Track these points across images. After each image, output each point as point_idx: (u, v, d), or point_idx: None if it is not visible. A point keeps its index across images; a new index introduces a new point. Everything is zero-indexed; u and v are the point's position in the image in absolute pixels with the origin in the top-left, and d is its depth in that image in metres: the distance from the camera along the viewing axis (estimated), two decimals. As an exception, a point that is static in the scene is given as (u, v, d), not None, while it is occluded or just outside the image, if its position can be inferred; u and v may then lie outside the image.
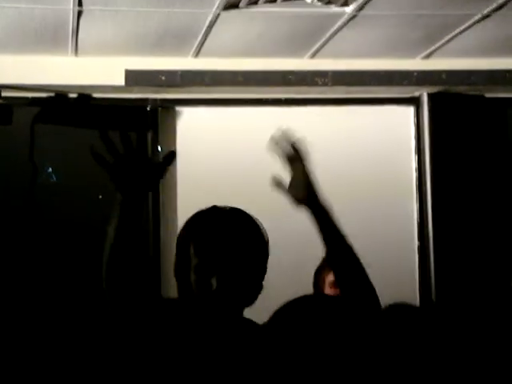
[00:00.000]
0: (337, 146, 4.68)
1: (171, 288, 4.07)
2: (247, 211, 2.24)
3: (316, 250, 3.74)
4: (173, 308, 2.15)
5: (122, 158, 2.08)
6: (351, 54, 4.39)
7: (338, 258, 2.25)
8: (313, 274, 3.75)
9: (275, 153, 2.27)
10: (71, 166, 4.47)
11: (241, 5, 3.55)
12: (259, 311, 2.19)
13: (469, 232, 4.60)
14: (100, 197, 4.48)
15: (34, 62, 4.27)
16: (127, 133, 2.05)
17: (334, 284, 3.54)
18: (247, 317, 2.20)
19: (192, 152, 4.54)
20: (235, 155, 4.58)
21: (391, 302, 2.69)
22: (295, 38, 4.10)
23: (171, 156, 2.14)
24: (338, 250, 2.23)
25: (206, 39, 4.05)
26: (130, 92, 4.46)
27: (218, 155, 4.57)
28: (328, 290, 3.54)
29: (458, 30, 4.01)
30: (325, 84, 4.50)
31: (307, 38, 4.11)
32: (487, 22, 3.86)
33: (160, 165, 2.15)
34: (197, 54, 4.31)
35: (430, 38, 4.16)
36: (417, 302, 4.57)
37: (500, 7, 3.66)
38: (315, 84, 4.50)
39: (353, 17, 3.75)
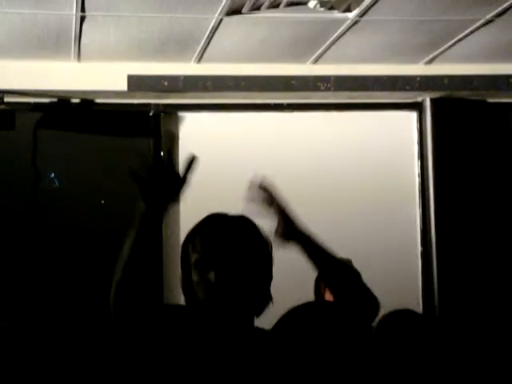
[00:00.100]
0: (339, 151, 4.68)
1: (173, 296, 4.09)
2: (250, 217, 2.24)
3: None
4: (180, 317, 2.14)
5: (155, 172, 2.07)
6: (354, 59, 4.39)
7: (331, 280, 2.27)
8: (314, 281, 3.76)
9: (253, 202, 2.28)
10: (74, 171, 4.47)
11: (243, 10, 3.55)
12: (264, 317, 2.18)
13: (471, 237, 4.59)
14: (102, 202, 4.48)
15: (36, 67, 4.28)
16: (159, 145, 2.04)
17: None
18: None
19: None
20: (237, 160, 4.58)
21: (394, 307, 2.68)
22: (298, 44, 4.10)
23: (192, 164, 2.14)
24: (330, 274, 2.26)
25: (208, 44, 4.05)
26: (133, 97, 4.46)
27: (221, 160, 4.57)
28: (328, 297, 3.54)
29: (460, 36, 4.01)
30: (327, 89, 4.50)
31: (310, 43, 4.11)
32: (490, 27, 3.86)
33: (182, 174, 2.14)
34: (199, 59, 4.32)
35: (433, 43, 4.16)
36: (419, 307, 4.57)
37: (502, 13, 3.66)
38: (318, 89, 4.50)
39: (355, 22, 3.75)
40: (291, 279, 4.10)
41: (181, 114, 4.60)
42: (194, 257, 2.12)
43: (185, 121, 4.60)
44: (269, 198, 2.24)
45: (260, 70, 4.44)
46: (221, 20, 3.66)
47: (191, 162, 2.11)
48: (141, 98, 4.49)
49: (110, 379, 4.00)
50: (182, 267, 2.18)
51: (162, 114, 4.54)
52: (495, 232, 4.64)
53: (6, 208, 4.39)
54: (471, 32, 3.95)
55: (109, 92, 4.40)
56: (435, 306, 4.54)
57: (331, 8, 3.56)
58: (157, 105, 4.53)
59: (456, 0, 3.49)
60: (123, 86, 4.36)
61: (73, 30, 3.74)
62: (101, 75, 4.35)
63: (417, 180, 4.72)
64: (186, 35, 3.90)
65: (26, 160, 4.42)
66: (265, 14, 3.61)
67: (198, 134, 4.57)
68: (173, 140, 4.44)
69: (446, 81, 4.56)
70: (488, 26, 3.86)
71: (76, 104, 4.47)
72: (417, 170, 4.72)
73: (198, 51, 4.17)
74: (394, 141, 4.73)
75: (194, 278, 2.11)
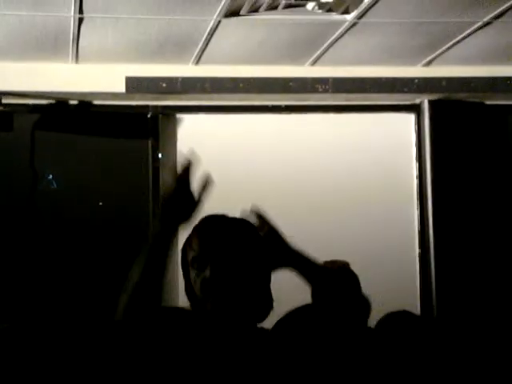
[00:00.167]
0: (337, 153, 4.68)
1: (171, 298, 4.09)
2: (247, 218, 2.24)
3: (313, 256, 3.75)
4: (179, 318, 2.15)
5: (178, 193, 2.08)
6: (352, 61, 4.40)
7: (324, 294, 2.27)
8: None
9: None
10: (72, 172, 4.47)
11: (242, 12, 3.56)
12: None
13: (470, 239, 4.60)
14: (100, 203, 4.48)
15: (34, 69, 4.27)
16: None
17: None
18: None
19: (192, 158, 4.54)
20: (236, 162, 4.58)
21: (392, 309, 2.68)
22: (296, 46, 4.10)
23: (207, 185, 2.15)
24: (322, 289, 2.26)
25: (206, 46, 4.05)
26: (131, 99, 4.46)
27: (219, 162, 4.56)
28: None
29: (458, 38, 4.02)
30: (325, 91, 4.50)
31: (308, 45, 4.11)
32: (488, 29, 3.86)
33: (197, 195, 2.14)
34: (197, 61, 4.32)
35: (431, 45, 4.16)
36: (417, 309, 4.57)
37: (500, 15, 3.66)
38: (316, 91, 4.50)
39: (353, 24, 3.75)
40: (291, 279, 4.09)
41: (179, 115, 4.60)
42: (191, 254, 2.13)
43: (183, 122, 4.60)
44: (260, 223, 2.25)
45: (258, 71, 4.44)
46: (219, 22, 3.67)
47: (206, 183, 2.11)
48: (139, 100, 4.49)
49: (108, 381, 3.99)
50: (182, 267, 2.19)
51: (160, 115, 4.54)
52: (493, 233, 4.64)
53: (4, 209, 4.39)
54: (469, 34, 3.95)
55: (107, 94, 4.40)
56: (433, 307, 4.54)
57: (329, 10, 3.56)
58: (155, 106, 4.53)
59: (454, 2, 3.49)
60: (121, 87, 4.36)
61: (71, 31, 3.74)
62: (99, 77, 4.35)
63: (415, 182, 4.72)
64: (184, 37, 3.90)
65: (24, 161, 4.42)
66: (263, 16, 3.61)
67: (197, 136, 4.57)
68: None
69: (444, 83, 4.56)
70: (486, 28, 3.86)
71: (74, 106, 4.48)
72: (415, 171, 4.72)
73: (196, 53, 4.18)
74: (392, 143, 4.73)
75: (192, 275, 2.12)
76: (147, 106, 4.52)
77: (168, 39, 3.93)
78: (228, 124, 4.62)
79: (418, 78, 4.54)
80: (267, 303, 2.14)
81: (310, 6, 3.49)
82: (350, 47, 4.14)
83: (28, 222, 4.38)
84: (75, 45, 3.98)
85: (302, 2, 3.48)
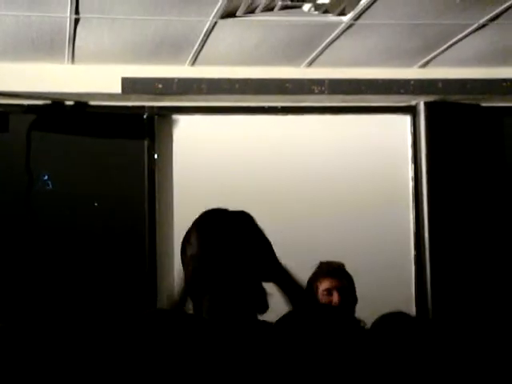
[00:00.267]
0: (333, 155, 4.68)
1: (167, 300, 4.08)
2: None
3: (309, 257, 3.75)
4: (178, 319, 2.14)
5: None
6: (348, 62, 4.40)
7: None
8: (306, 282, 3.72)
9: None
10: (67, 173, 4.46)
11: (238, 13, 3.55)
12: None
13: (465, 240, 4.60)
14: (96, 204, 4.47)
15: (30, 69, 4.27)
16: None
17: (328, 292, 3.55)
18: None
19: (188, 160, 4.55)
20: (232, 163, 4.58)
21: (387, 310, 2.68)
22: (292, 47, 4.10)
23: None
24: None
25: (202, 47, 4.05)
26: (127, 100, 4.46)
27: (215, 163, 4.57)
28: (322, 298, 3.54)
29: (454, 40, 4.02)
30: (321, 92, 4.50)
31: (304, 46, 4.11)
32: (484, 31, 3.87)
33: None
34: (194, 62, 4.31)
35: (427, 47, 4.17)
36: (413, 310, 4.57)
37: (496, 17, 3.67)
38: (312, 92, 4.50)
39: (350, 26, 3.76)
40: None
41: (175, 116, 4.60)
42: (189, 251, 2.13)
43: (179, 123, 4.60)
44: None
45: (254, 72, 4.44)
46: (215, 23, 3.66)
47: None
48: (135, 101, 4.48)
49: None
50: (181, 262, 2.19)
51: (156, 116, 4.54)
52: (489, 235, 4.65)
53: (-1, 210, 4.38)
54: (465, 36, 3.95)
55: (103, 94, 4.40)
56: (428, 308, 4.54)
57: (326, 11, 3.57)
58: (151, 107, 4.53)
59: (450, 4, 3.49)
60: (117, 88, 4.35)
61: (67, 32, 3.74)
62: (95, 77, 4.35)
63: (410, 183, 4.72)
64: (181, 38, 3.90)
65: (19, 162, 4.41)
66: (259, 18, 3.61)
67: (193, 137, 4.58)
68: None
69: (439, 84, 4.56)
70: (482, 31, 3.86)
71: (70, 106, 4.47)
72: (410, 173, 4.72)
73: (192, 54, 4.17)
74: (388, 144, 4.73)
75: (191, 271, 2.12)
76: (143, 107, 4.52)
77: (164, 40, 3.93)
78: (224, 125, 4.62)
79: (414, 80, 4.55)
80: (263, 295, 2.13)
81: (306, 7, 3.50)
82: (347, 49, 4.14)
83: (23, 223, 4.38)
84: (71, 45, 3.98)
85: (298, 4, 3.48)
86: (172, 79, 4.39)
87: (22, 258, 4.35)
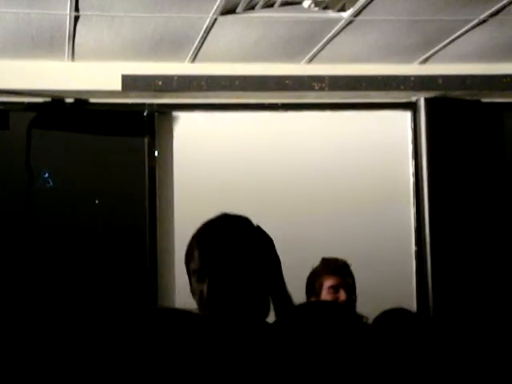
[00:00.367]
0: (333, 151, 4.68)
1: (168, 301, 4.09)
2: (242, 215, 2.23)
3: (309, 254, 3.75)
4: (178, 320, 2.14)
5: None
6: (348, 59, 4.40)
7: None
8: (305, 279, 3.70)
9: None
10: (68, 170, 4.46)
11: (238, 10, 3.55)
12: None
13: (466, 236, 4.60)
14: (96, 201, 4.47)
15: (30, 66, 4.27)
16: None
17: (333, 289, 3.53)
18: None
19: (189, 156, 4.55)
20: (232, 159, 4.58)
21: (388, 306, 2.68)
22: (292, 43, 4.10)
23: None
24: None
25: (202, 44, 4.05)
26: (127, 97, 4.46)
27: (215, 159, 4.57)
28: (326, 295, 3.52)
29: (454, 36, 4.02)
30: (322, 89, 4.50)
31: (304, 43, 4.11)
32: (484, 27, 3.87)
33: None
34: (193, 58, 4.31)
35: (427, 43, 4.16)
36: (414, 306, 4.57)
37: (497, 12, 3.66)
38: (312, 89, 4.50)
39: (350, 22, 3.75)
40: (291, 279, 4.09)
41: (175, 113, 4.60)
42: (192, 265, 2.12)
43: (179, 120, 4.60)
44: None
45: (254, 69, 4.44)
46: (215, 20, 3.66)
47: None
48: (135, 98, 4.48)
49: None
50: (187, 273, 2.19)
51: (157, 113, 4.54)
52: (489, 231, 4.65)
53: (-1, 208, 4.39)
54: (465, 32, 3.95)
55: (103, 92, 4.40)
56: (429, 304, 4.55)
57: (326, 8, 3.56)
58: (151, 104, 4.53)
59: (450, 0, 3.49)
60: (117, 85, 4.35)
61: (67, 29, 3.74)
62: (95, 75, 4.35)
63: (411, 179, 4.72)
64: (181, 35, 3.89)
65: (19, 160, 4.41)
66: (259, 14, 3.61)
67: (193, 134, 4.58)
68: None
69: (440, 80, 4.56)
70: (482, 26, 3.86)
71: (70, 104, 4.47)
72: (411, 169, 4.72)
73: (192, 51, 4.17)
74: (389, 140, 4.73)
75: (193, 284, 2.11)
76: (143, 104, 4.52)
77: (164, 37, 3.93)
78: (224, 122, 4.62)
79: (415, 76, 4.54)
80: (266, 303, 2.12)
81: (306, 3, 3.49)
82: (347, 45, 4.14)
83: (24, 221, 4.38)
84: (71, 43, 3.98)
85: (298, 0, 3.47)
86: (172, 76, 4.39)
87: (23, 256, 4.35)
